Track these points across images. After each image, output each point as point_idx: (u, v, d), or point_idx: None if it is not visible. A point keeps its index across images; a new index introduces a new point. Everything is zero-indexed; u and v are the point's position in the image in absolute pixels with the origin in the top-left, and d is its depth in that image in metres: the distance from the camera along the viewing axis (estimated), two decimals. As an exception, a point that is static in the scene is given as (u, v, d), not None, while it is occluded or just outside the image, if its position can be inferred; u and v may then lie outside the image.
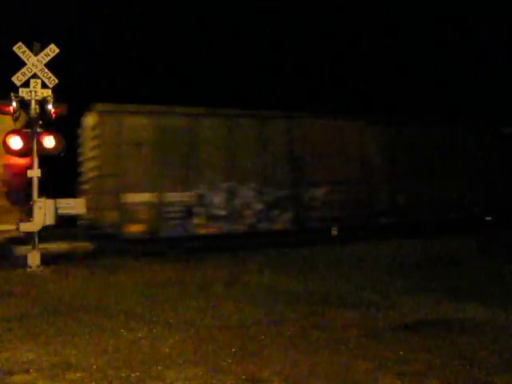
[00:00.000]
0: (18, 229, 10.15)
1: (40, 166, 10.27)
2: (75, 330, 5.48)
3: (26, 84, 10.32)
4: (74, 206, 11.71)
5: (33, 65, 10.38)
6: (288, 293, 7.18)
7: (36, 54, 10.45)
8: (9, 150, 10.07)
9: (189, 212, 12.42)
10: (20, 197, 11.07)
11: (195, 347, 4.81)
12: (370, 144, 14.54)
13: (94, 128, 12.37)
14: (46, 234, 11.68)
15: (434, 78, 26.78)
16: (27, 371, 4.24)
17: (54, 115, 10.34)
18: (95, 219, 12.01)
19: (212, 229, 12.62)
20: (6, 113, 10.08)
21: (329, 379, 3.97)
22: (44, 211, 10.14)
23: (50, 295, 7.37)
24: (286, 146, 13.50)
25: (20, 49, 10.36)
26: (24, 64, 10.36)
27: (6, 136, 9.94)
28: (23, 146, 10.04)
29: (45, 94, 10.30)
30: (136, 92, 20.11)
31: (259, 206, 12.99)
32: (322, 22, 28.46)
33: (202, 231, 12.56)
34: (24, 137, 10.00)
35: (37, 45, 10.52)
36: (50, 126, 10.37)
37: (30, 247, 10.28)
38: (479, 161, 16.03)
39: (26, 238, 11.03)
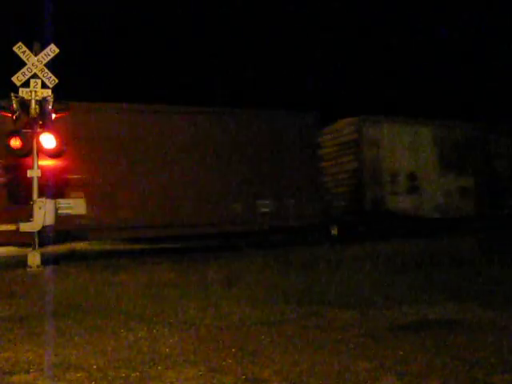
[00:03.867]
0: (18, 229, 10.16)
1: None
2: (75, 330, 5.47)
3: (26, 84, 10.33)
4: (73, 206, 11.75)
5: (33, 65, 10.39)
6: (288, 293, 7.18)
7: (36, 54, 10.45)
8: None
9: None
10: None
11: (195, 347, 4.81)
12: None
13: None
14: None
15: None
16: (27, 371, 4.23)
17: (55, 116, 10.37)
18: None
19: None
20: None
21: (329, 379, 3.97)
22: (44, 211, 10.14)
23: (50, 295, 7.37)
24: None
25: (20, 49, 10.38)
26: (24, 64, 10.37)
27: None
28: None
29: (45, 94, 10.30)
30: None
31: None
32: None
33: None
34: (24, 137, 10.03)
35: (37, 45, 10.53)
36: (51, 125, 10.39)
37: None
38: None
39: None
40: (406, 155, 16.26)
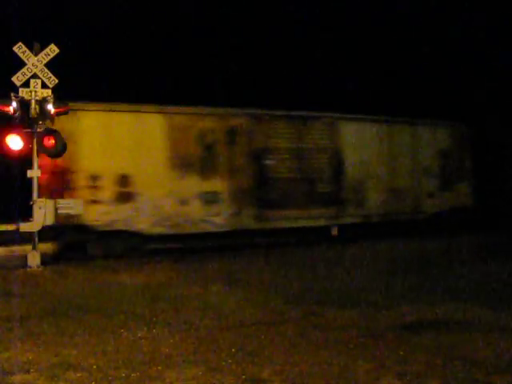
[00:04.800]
0: (18, 229, 10.16)
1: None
2: (75, 329, 5.48)
3: (26, 84, 10.33)
4: (73, 206, 11.72)
5: (33, 65, 10.38)
6: (288, 292, 7.18)
7: (36, 54, 10.45)
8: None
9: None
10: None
11: (195, 347, 4.81)
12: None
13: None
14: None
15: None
16: (27, 371, 4.24)
17: (54, 115, 10.37)
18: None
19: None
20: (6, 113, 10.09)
21: (329, 379, 3.97)
22: (44, 211, 10.14)
23: (50, 295, 7.37)
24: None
25: (20, 49, 10.37)
26: (24, 64, 10.37)
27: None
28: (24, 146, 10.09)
29: (45, 94, 10.30)
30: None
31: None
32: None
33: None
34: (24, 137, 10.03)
35: (37, 45, 10.53)
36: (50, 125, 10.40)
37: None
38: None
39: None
40: (119, 152, 12.40)
